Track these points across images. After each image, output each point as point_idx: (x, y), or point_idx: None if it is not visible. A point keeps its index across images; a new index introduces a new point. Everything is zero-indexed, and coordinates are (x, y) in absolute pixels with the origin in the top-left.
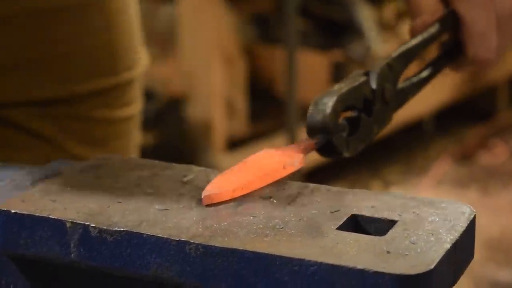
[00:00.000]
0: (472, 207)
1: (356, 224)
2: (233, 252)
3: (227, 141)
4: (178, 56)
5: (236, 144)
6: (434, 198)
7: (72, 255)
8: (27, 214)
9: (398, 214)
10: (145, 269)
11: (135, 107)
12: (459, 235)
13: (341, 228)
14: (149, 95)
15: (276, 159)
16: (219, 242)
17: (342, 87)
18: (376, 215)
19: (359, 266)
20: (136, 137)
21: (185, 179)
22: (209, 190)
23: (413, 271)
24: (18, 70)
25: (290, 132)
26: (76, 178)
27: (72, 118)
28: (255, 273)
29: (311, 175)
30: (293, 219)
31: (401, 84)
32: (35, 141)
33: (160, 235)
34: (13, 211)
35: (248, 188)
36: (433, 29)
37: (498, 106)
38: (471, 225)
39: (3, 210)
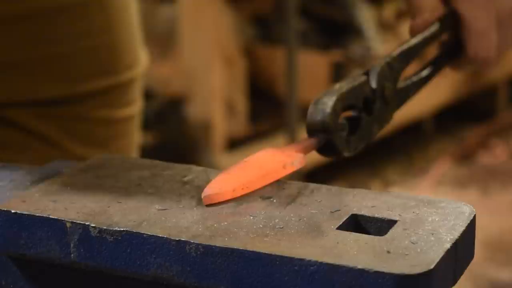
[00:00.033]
0: (472, 207)
1: (356, 223)
2: (233, 252)
3: (227, 141)
4: (178, 56)
5: (236, 144)
6: (434, 198)
7: (72, 255)
8: (27, 214)
9: (398, 214)
10: (145, 269)
11: (135, 107)
12: (459, 235)
13: (341, 228)
14: (149, 95)
15: (276, 159)
16: (219, 242)
17: (342, 86)
18: (376, 215)
19: (359, 266)
20: (136, 137)
21: (185, 179)
22: (209, 190)
23: (413, 271)
24: (18, 70)
25: (290, 132)
26: (76, 178)
27: (72, 118)
28: (255, 273)
29: (311, 175)
30: (293, 219)
31: (401, 83)
32: (35, 141)
33: (160, 235)
34: (13, 211)
35: (248, 188)
36: (433, 28)
37: (498, 106)
38: (471, 225)
39: (3, 210)
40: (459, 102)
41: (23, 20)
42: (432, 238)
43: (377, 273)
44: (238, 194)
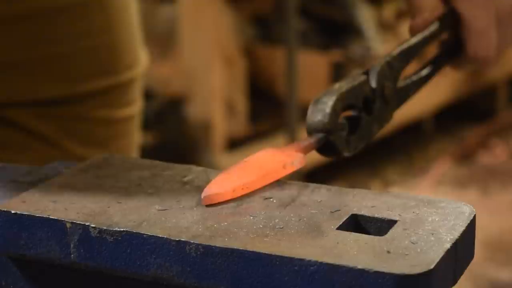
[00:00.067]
0: (472, 207)
1: (356, 223)
2: (233, 252)
3: (227, 141)
4: (178, 56)
5: (236, 144)
6: (434, 198)
7: (72, 255)
8: (27, 214)
9: (398, 214)
10: (145, 269)
11: (135, 107)
12: (459, 234)
13: (341, 228)
14: (149, 95)
15: (276, 159)
16: (219, 242)
17: (342, 86)
18: (376, 215)
19: (359, 266)
20: (136, 137)
21: (185, 179)
22: (209, 190)
23: (413, 271)
24: (18, 70)
25: (290, 132)
26: (76, 178)
27: (72, 118)
28: (255, 273)
29: (311, 175)
30: (293, 219)
31: (401, 82)
32: (35, 141)
33: (160, 235)
34: (13, 212)
35: (248, 188)
36: (433, 28)
37: (498, 106)
38: (471, 225)
39: (3, 211)
40: (459, 102)
41: (23, 20)
42: (432, 238)
43: (377, 273)
44: (238, 194)
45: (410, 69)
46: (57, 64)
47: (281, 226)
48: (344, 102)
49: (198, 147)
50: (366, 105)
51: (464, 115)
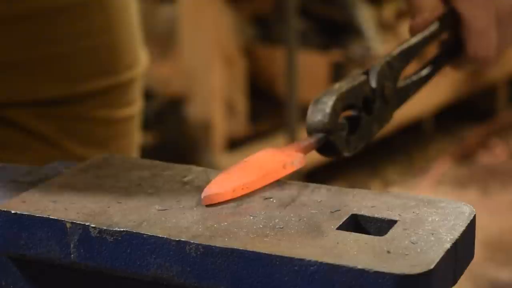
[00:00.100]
0: (472, 207)
1: (356, 224)
2: (233, 252)
3: (227, 141)
4: (178, 56)
5: (236, 144)
6: (434, 198)
7: (72, 255)
8: (27, 214)
9: (398, 214)
10: (145, 270)
11: (135, 107)
12: (459, 234)
13: (341, 228)
14: (149, 95)
15: (276, 159)
16: (219, 242)
17: (342, 86)
18: (376, 215)
19: (359, 266)
20: (136, 137)
21: (185, 179)
22: (209, 190)
23: (413, 271)
24: (18, 70)
25: (290, 132)
26: (76, 178)
27: (73, 118)
28: (255, 273)
29: (311, 175)
30: (293, 219)
31: (401, 82)
32: (35, 141)
33: (160, 235)
34: (13, 212)
35: (248, 188)
36: (433, 28)
37: (498, 106)
38: (471, 225)
39: (3, 211)
40: (459, 102)
41: (23, 20)
42: (432, 238)
43: (377, 273)
44: (238, 194)
45: (410, 69)
46: (57, 64)
47: (281, 226)
48: (344, 102)
49: (198, 147)
50: (366, 105)
51: (464, 115)
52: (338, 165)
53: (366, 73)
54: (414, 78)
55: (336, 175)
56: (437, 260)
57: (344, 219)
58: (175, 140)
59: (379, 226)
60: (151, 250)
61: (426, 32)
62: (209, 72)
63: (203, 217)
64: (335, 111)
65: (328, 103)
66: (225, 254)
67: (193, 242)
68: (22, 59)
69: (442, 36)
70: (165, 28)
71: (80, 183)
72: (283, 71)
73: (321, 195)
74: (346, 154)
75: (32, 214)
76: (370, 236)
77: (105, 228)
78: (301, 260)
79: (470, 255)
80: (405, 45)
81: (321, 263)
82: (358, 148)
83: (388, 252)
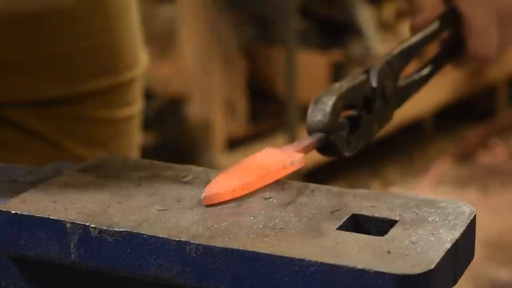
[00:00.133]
0: (472, 207)
1: (356, 224)
2: (233, 252)
3: (227, 141)
4: (178, 56)
5: (236, 144)
6: (434, 197)
7: (72, 255)
8: (27, 215)
9: (398, 214)
10: (145, 270)
11: (135, 107)
12: (459, 234)
13: (341, 228)
14: (149, 95)
15: (276, 159)
16: (219, 242)
17: (342, 85)
18: (376, 215)
19: (359, 266)
20: (136, 137)
21: (185, 179)
22: (209, 190)
23: (413, 271)
24: (18, 70)
25: (290, 132)
26: (76, 178)
27: (73, 118)
28: (255, 274)
29: (311, 175)
30: (293, 219)
31: (401, 81)
32: (35, 141)
33: (160, 236)
34: (13, 212)
35: (248, 188)
36: (433, 27)
37: (498, 106)
38: (471, 225)
39: (4, 211)
40: (459, 102)
41: (23, 20)
42: (432, 238)
43: (377, 273)
44: (238, 194)
45: (411, 68)
46: (57, 64)
47: (281, 226)
48: (344, 102)
49: (198, 147)
50: (366, 105)
51: (464, 115)
52: (338, 165)
53: (367, 72)
54: (415, 77)
55: (336, 175)
56: (437, 260)
57: (344, 219)
58: (175, 140)
59: (379, 226)
60: (151, 250)
61: (426, 31)
62: (209, 72)
63: (203, 217)
64: (335, 111)
65: (328, 102)
66: (225, 254)
67: (193, 242)
68: (22, 59)
69: (443, 35)
70: (165, 28)
71: (80, 183)
72: (283, 71)
73: (321, 195)
74: (346, 154)
75: (32, 214)
76: (370, 236)
77: (105, 228)
78: (301, 260)
79: (470, 255)
80: (405, 44)
81: (321, 263)
82: (358, 148)
83: (388, 252)
